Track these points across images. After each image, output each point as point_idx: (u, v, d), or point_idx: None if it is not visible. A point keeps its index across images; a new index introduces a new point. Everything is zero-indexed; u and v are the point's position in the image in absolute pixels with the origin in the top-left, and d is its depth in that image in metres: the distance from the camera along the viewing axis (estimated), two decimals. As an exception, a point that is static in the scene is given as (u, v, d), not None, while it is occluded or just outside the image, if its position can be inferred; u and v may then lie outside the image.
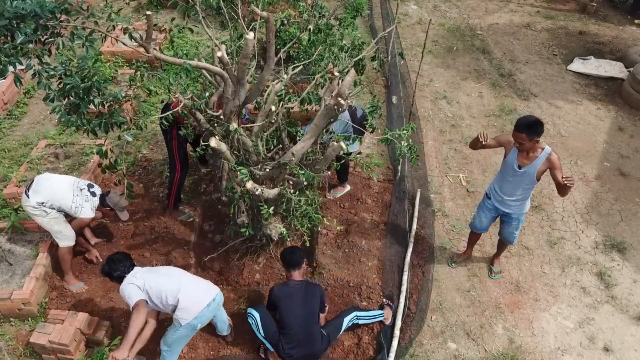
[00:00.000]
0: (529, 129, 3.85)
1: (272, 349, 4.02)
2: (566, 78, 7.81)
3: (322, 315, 4.16)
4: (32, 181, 4.33)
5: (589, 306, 4.68)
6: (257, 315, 3.99)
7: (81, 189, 4.35)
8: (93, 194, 4.41)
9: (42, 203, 4.21)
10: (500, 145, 4.21)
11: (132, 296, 3.61)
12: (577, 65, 8.00)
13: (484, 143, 4.06)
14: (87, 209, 4.34)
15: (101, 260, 4.74)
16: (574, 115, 7.05)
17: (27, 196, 4.23)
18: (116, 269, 3.76)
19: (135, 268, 3.82)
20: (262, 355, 4.17)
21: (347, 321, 4.18)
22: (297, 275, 4.07)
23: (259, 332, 3.99)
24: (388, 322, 4.35)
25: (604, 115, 7.07)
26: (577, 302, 4.70)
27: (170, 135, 4.75)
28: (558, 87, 7.61)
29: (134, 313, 3.55)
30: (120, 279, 3.74)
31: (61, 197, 4.26)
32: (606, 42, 8.73)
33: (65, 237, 4.37)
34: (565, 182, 3.82)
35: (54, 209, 4.27)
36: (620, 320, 4.57)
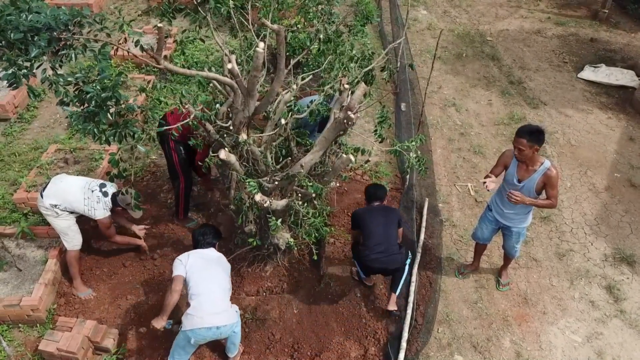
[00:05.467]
0: (530, 134, 3.85)
1: (362, 272, 4.59)
2: (576, 86, 7.76)
3: (399, 230, 4.58)
4: (49, 182, 4.38)
5: (598, 320, 4.64)
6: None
7: (92, 190, 4.33)
8: (105, 194, 4.37)
9: (55, 205, 4.25)
10: (505, 165, 4.22)
11: (174, 268, 3.92)
12: (588, 73, 7.94)
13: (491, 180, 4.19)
14: (99, 210, 4.32)
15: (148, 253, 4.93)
16: (584, 124, 7.00)
17: (42, 197, 4.28)
18: (195, 235, 4.16)
19: (206, 249, 4.07)
20: (356, 278, 4.73)
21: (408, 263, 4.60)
22: (377, 204, 4.56)
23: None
24: (389, 307, 4.44)
25: (615, 124, 7.02)
26: (585, 316, 4.67)
27: (169, 147, 4.77)
28: (568, 95, 7.57)
29: (169, 287, 3.86)
30: (193, 246, 4.12)
31: (73, 199, 4.29)
32: (618, 49, 8.66)
33: (71, 240, 4.41)
34: (510, 196, 4.02)
35: (66, 211, 4.30)
36: (629, 335, 4.54)
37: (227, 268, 4.09)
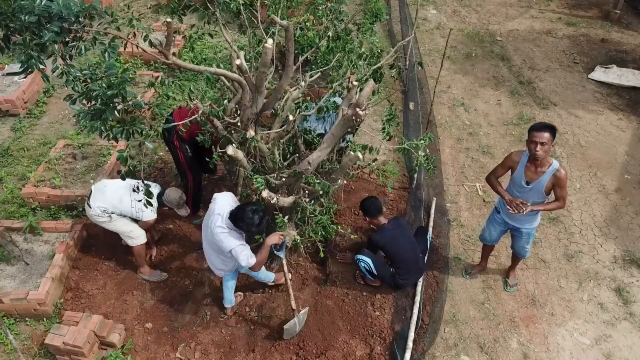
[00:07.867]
0: (552, 129, 3.78)
1: (372, 278, 4.62)
2: (587, 87, 7.69)
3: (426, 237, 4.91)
4: (91, 191, 4.35)
5: (607, 323, 4.59)
6: (368, 260, 4.49)
7: (138, 192, 4.22)
8: (150, 195, 4.20)
9: (105, 210, 4.25)
10: (508, 168, 4.17)
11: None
12: (599, 74, 7.86)
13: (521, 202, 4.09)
14: (147, 212, 4.31)
15: (153, 258, 4.88)
16: (595, 125, 6.93)
17: (89, 206, 4.27)
18: (242, 211, 3.75)
19: (222, 222, 3.80)
20: (361, 282, 4.70)
21: (429, 238, 4.94)
22: (382, 218, 4.55)
23: (373, 271, 4.49)
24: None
25: (626, 125, 6.94)
26: (594, 318, 4.62)
27: (174, 146, 4.77)
28: (578, 96, 7.50)
29: None
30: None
31: (119, 203, 4.27)
32: (629, 50, 8.57)
33: (137, 236, 4.44)
34: (515, 205, 3.98)
35: (115, 214, 4.31)
36: (638, 338, 4.48)
37: (217, 243, 3.85)
